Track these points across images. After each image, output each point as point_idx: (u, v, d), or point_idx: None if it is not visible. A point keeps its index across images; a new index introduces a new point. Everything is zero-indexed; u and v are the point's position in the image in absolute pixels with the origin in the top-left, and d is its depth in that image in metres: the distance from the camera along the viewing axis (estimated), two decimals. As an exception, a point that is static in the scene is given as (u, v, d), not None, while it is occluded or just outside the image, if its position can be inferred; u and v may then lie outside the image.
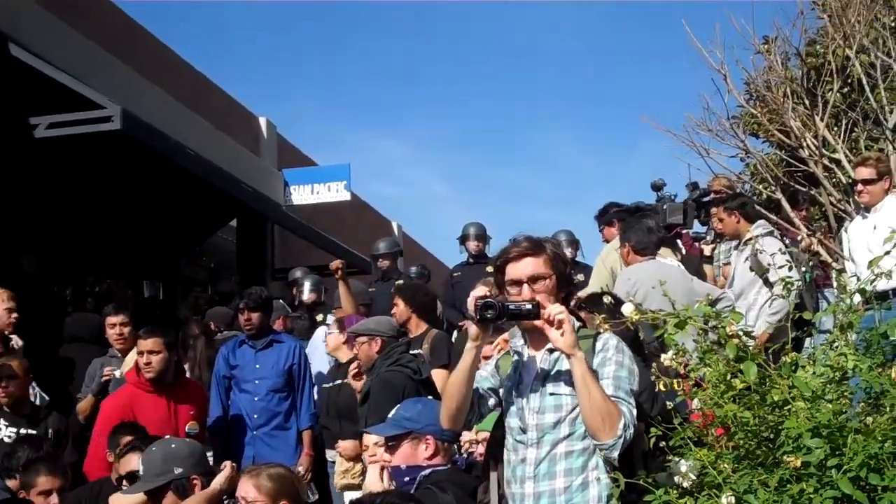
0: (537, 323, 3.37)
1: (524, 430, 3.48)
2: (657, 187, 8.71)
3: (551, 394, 3.45)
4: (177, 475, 4.53)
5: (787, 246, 7.41)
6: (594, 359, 3.44)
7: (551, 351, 3.50)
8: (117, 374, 7.06)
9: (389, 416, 4.40)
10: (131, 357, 7.11)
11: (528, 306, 3.37)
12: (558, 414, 3.43)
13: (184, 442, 4.91)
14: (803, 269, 7.00)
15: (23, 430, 6.39)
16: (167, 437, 5.23)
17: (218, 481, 4.59)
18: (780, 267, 6.47)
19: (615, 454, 3.25)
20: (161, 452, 4.66)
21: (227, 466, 4.70)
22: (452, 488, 3.82)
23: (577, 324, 3.55)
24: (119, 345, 7.32)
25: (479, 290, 3.42)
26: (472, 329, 3.43)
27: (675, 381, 3.44)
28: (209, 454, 7.19)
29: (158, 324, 6.88)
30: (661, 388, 3.53)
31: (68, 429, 6.66)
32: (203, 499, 4.52)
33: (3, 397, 6.46)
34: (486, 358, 5.20)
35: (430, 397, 5.46)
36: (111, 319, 7.37)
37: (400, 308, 7.11)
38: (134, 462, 5.16)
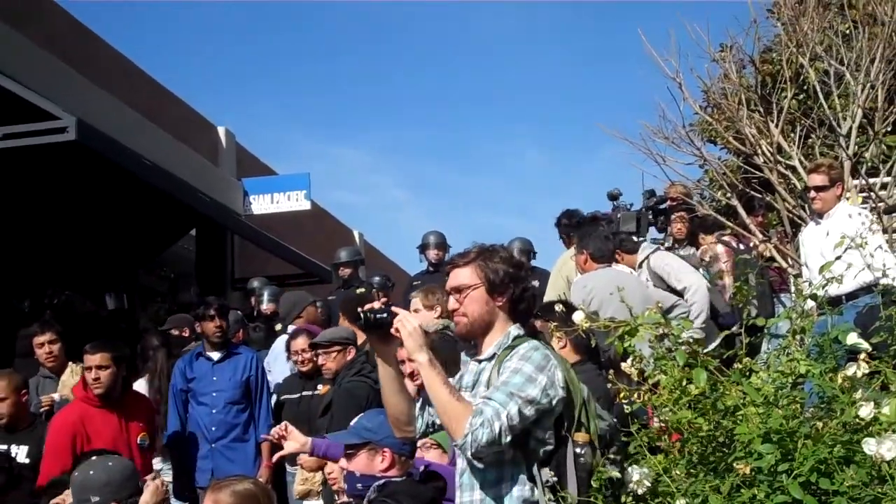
0: (392, 331, 3.44)
1: None
2: (613, 197, 8.76)
3: None
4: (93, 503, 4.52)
5: (738, 251, 7.51)
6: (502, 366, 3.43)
7: (480, 361, 3.53)
8: (56, 397, 6.94)
9: (351, 424, 4.40)
10: (67, 377, 7.02)
11: (384, 315, 3.47)
12: None
13: (103, 468, 4.74)
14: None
15: (13, 447, 6.24)
16: (92, 458, 5.03)
17: None
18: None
19: (468, 454, 3.25)
20: (80, 480, 4.64)
21: (148, 486, 4.68)
22: (407, 500, 3.81)
23: (516, 332, 3.54)
24: (50, 363, 7.18)
25: (369, 305, 3.51)
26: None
27: (635, 391, 3.47)
28: (167, 468, 7.17)
29: (107, 338, 6.74)
30: (620, 398, 3.55)
31: None
32: None
33: None
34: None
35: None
36: (38, 339, 7.20)
37: (340, 319, 7.21)
38: None
